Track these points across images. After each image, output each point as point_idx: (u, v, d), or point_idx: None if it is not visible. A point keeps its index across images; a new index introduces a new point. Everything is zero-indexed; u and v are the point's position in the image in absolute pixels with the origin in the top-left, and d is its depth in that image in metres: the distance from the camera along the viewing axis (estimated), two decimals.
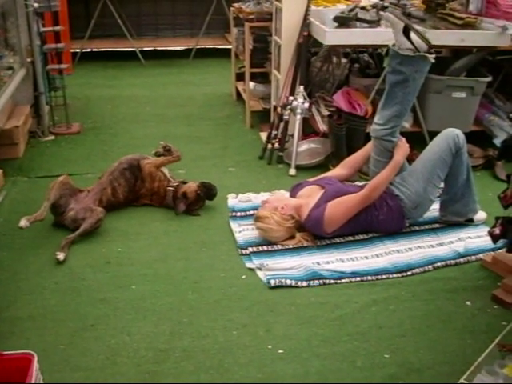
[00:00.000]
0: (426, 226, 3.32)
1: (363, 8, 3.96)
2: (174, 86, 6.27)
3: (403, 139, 3.23)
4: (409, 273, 2.88)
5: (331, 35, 3.82)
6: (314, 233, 3.14)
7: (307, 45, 4.22)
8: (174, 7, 7.92)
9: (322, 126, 4.18)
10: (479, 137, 4.19)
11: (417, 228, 3.30)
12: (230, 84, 5.94)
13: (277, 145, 4.23)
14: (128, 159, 3.56)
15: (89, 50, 7.41)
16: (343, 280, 2.81)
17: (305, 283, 2.77)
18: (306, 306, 2.62)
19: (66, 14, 6.08)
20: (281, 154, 4.21)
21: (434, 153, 3.18)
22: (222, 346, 2.36)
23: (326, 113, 4.22)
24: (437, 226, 3.34)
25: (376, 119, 3.22)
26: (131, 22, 7.59)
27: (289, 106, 4.13)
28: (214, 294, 2.70)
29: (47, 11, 4.61)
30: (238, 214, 3.44)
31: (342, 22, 3.90)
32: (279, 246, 3.10)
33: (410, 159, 3.33)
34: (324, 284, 2.78)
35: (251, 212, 3.39)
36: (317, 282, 2.79)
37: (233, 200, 3.59)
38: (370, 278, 2.84)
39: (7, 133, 4.11)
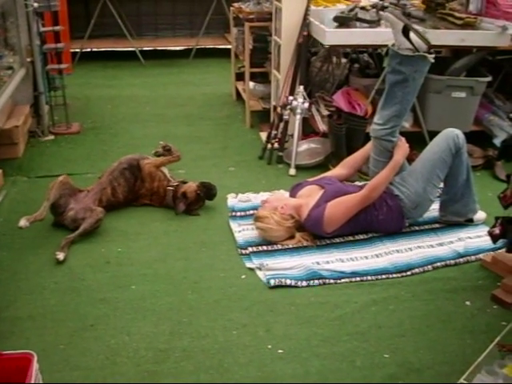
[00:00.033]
0: (426, 226, 3.32)
1: (363, 8, 3.96)
2: (174, 86, 6.27)
3: (403, 139, 3.23)
4: (408, 273, 2.88)
5: (331, 35, 3.82)
6: (313, 232, 3.14)
7: (307, 45, 4.22)
8: (173, 7, 7.92)
9: (322, 126, 4.18)
10: (479, 137, 4.19)
11: (416, 228, 3.30)
12: (229, 84, 5.94)
13: (276, 145, 4.23)
14: (128, 159, 3.56)
15: (88, 49, 7.41)
16: (343, 280, 2.81)
17: (304, 283, 2.77)
18: (305, 305, 2.62)
19: (65, 14, 6.08)
20: (280, 153, 4.21)
21: (434, 153, 3.18)
22: (222, 345, 2.36)
23: (325, 113, 4.23)
24: (436, 225, 3.34)
25: (376, 119, 3.22)
26: (131, 21, 7.59)
27: (289, 106, 4.13)
28: (213, 293, 2.70)
29: (47, 11, 4.61)
30: (238, 213, 3.44)
31: (342, 21, 3.90)
32: (279, 246, 3.10)
33: (410, 159, 3.33)
34: (324, 284, 2.78)
35: (251, 212, 3.39)
36: (316, 281, 2.79)
37: (232, 200, 3.59)
38: (369, 277, 2.84)
39: (7, 132, 4.11)
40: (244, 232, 3.23)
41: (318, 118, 4.26)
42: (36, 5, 4.35)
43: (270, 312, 2.57)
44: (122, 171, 3.48)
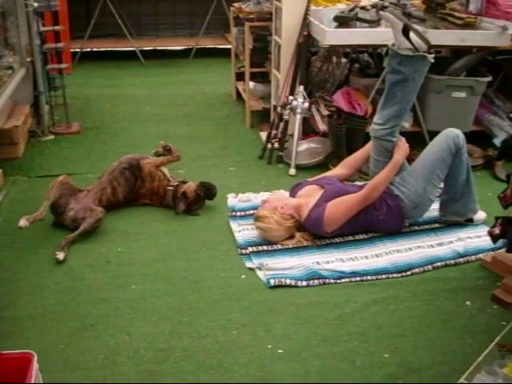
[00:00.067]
0: (426, 226, 3.32)
1: (363, 8, 3.96)
2: (174, 86, 6.27)
3: (403, 139, 3.23)
4: (408, 273, 2.88)
5: (331, 35, 3.82)
6: (313, 232, 3.14)
7: (307, 44, 4.22)
8: (173, 7, 7.92)
9: (322, 126, 4.18)
10: (479, 137, 4.19)
11: (416, 228, 3.30)
12: (229, 84, 5.94)
13: (277, 144, 4.23)
14: (128, 159, 3.56)
15: (89, 49, 7.41)
16: (343, 280, 2.81)
17: (304, 283, 2.77)
18: (305, 305, 2.62)
19: (65, 14, 6.08)
20: (280, 153, 4.21)
21: (434, 153, 3.18)
22: (222, 345, 2.36)
23: (325, 112, 4.23)
24: (436, 225, 3.34)
25: (375, 119, 3.22)
26: (131, 21, 7.59)
27: (289, 106, 4.13)
28: (213, 293, 2.70)
29: (47, 11, 4.61)
30: (238, 213, 3.44)
31: (342, 21, 3.90)
32: (279, 246, 3.10)
33: (410, 159, 3.33)
34: (324, 284, 2.78)
35: (251, 212, 3.39)
36: (316, 281, 2.79)
37: (233, 200, 3.59)
38: (369, 277, 2.84)
39: (7, 132, 4.11)
40: (244, 232, 3.23)
41: (318, 117, 4.26)
42: (36, 4, 4.35)
43: (270, 312, 2.57)
44: (122, 171, 3.48)
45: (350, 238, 3.17)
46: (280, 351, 2.33)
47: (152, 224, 3.35)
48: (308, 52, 4.37)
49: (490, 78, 4.13)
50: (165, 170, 3.62)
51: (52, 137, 4.67)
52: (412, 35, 2.98)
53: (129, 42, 7.25)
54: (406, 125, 4.10)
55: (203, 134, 4.80)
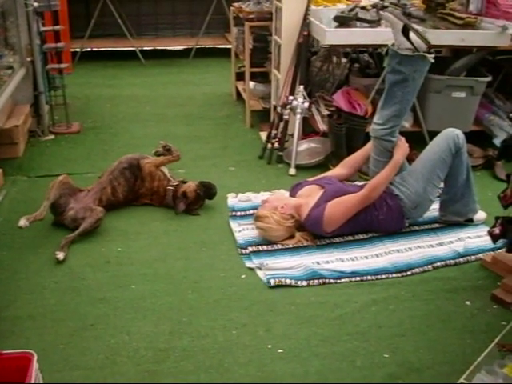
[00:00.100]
0: (426, 226, 3.32)
1: (363, 8, 3.96)
2: (174, 86, 6.27)
3: (403, 139, 3.23)
4: (408, 272, 2.88)
5: (331, 35, 3.82)
6: (313, 232, 3.14)
7: (307, 44, 4.22)
8: (173, 7, 7.92)
9: (322, 126, 4.18)
10: (479, 137, 4.19)
11: (416, 228, 3.30)
12: (229, 83, 5.94)
13: (276, 144, 4.23)
14: (128, 159, 3.56)
15: (89, 49, 7.41)
16: (343, 280, 2.81)
17: (304, 283, 2.77)
18: (305, 305, 2.62)
19: (65, 14, 6.07)
20: (280, 153, 4.21)
21: (434, 153, 3.18)
22: (222, 345, 2.36)
23: (325, 112, 4.23)
24: (436, 225, 3.34)
25: (375, 119, 3.22)
26: (131, 21, 7.59)
27: (289, 106, 4.13)
28: (213, 293, 2.70)
29: (47, 10, 4.61)
30: (238, 213, 3.44)
31: (342, 21, 3.90)
32: (279, 246, 3.10)
33: (410, 159, 3.33)
34: (324, 283, 2.78)
35: (251, 211, 3.39)
36: (316, 281, 2.79)
37: (232, 199, 3.59)
38: (369, 277, 2.84)
39: (7, 132, 4.11)
40: (244, 232, 3.23)
41: (318, 117, 4.26)
42: (36, 4, 4.35)
43: (270, 312, 2.57)
44: (122, 171, 3.48)
45: (350, 237, 3.17)
46: (280, 351, 2.33)
47: (152, 224, 3.35)
48: (308, 52, 4.37)
49: (489, 78, 4.13)
50: (165, 169, 3.62)
51: (52, 136, 4.67)
52: (412, 35, 2.98)
53: (129, 41, 7.25)
54: (406, 125, 4.11)
55: (203, 134, 4.80)
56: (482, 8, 4.22)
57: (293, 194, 3.35)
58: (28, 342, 2.34)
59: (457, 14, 4.01)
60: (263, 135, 4.54)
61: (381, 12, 3.52)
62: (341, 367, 2.25)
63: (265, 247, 3.08)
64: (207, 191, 3.51)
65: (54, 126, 4.79)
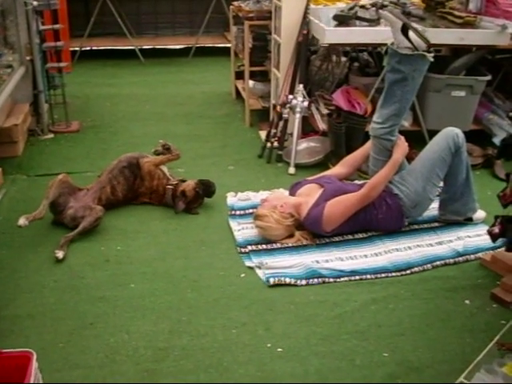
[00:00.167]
0: (426, 225, 3.32)
1: (363, 6, 3.95)
2: (174, 85, 6.27)
3: (402, 138, 3.23)
4: (408, 271, 2.88)
5: (331, 34, 3.81)
6: (313, 231, 3.14)
7: (307, 43, 4.22)
8: (173, 6, 7.91)
9: (322, 125, 4.18)
10: (478, 136, 4.19)
11: (416, 227, 3.30)
12: (229, 82, 5.93)
13: (276, 143, 4.23)
14: (127, 157, 3.56)
15: (88, 48, 7.41)
16: (342, 278, 2.81)
17: (304, 282, 2.77)
18: (305, 304, 2.62)
19: (65, 12, 6.06)
20: (280, 152, 4.21)
21: (434, 152, 3.18)
22: (221, 344, 2.36)
23: (325, 111, 4.23)
24: (436, 224, 3.34)
25: (375, 118, 3.22)
26: (131, 20, 7.59)
27: (288, 105, 4.13)
28: (213, 292, 2.70)
29: (47, 9, 4.61)
30: (238, 212, 3.44)
31: (342, 20, 3.90)
32: (278, 245, 3.10)
33: (410, 158, 3.33)
34: (323, 282, 2.78)
35: (250, 210, 3.39)
36: (316, 280, 2.79)
37: (232, 198, 3.59)
38: (369, 276, 2.84)
39: (6, 131, 4.11)
40: (243, 231, 3.23)
41: (317, 116, 4.26)
42: (35, 3, 4.35)
43: (270, 311, 2.57)
44: (121, 170, 3.48)
45: (350, 236, 3.17)
46: (279, 350, 2.33)
47: (151, 223, 3.35)
48: (307, 51, 4.37)
49: (489, 77, 4.13)
50: (164, 168, 3.62)
51: (51, 135, 4.67)
52: (411, 34, 2.98)
53: (128, 40, 7.25)
54: (406, 124, 4.10)
55: (203, 133, 4.79)
56: (481, 7, 4.22)
57: (292, 193, 3.34)
58: (27, 341, 2.34)
59: (456, 13, 4.01)
60: (263, 134, 4.54)
61: (380, 11, 3.51)
62: (340, 366, 2.25)
63: (264, 246, 3.08)
64: (206, 189, 3.51)
65: (53, 125, 4.78)
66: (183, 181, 3.56)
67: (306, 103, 4.10)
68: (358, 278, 2.83)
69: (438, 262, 2.95)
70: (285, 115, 4.17)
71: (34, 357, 1.90)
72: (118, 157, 3.59)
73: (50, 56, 4.86)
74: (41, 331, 2.42)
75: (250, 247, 3.06)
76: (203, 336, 2.41)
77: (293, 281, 2.77)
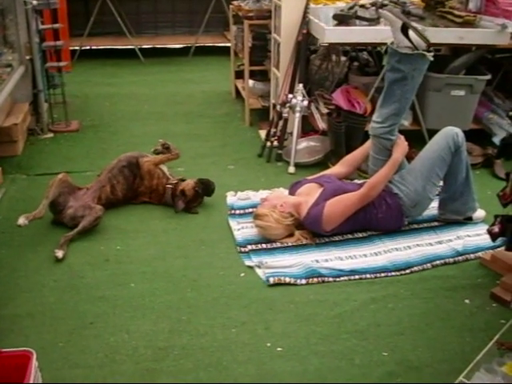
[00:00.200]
0: (425, 224, 3.32)
1: (362, 6, 3.96)
2: (173, 84, 6.27)
3: (402, 137, 3.23)
4: (407, 271, 2.88)
5: (330, 33, 3.81)
6: (312, 231, 3.14)
7: (306, 42, 4.22)
8: (173, 5, 7.92)
9: (321, 124, 4.18)
10: (478, 135, 4.19)
11: (416, 226, 3.30)
12: (229, 82, 5.93)
13: (276, 143, 4.23)
14: (127, 157, 3.56)
15: (88, 47, 7.42)
16: (342, 278, 2.81)
17: (304, 281, 2.77)
18: (304, 303, 2.62)
19: (65, 12, 6.07)
20: (280, 151, 4.21)
21: (433, 151, 3.18)
22: (221, 343, 2.36)
23: (325, 111, 4.23)
24: (436, 224, 3.34)
25: (374, 117, 3.22)
26: (130, 19, 7.59)
27: (288, 104, 4.13)
28: (212, 291, 2.70)
29: (46, 9, 4.61)
30: (237, 211, 3.44)
31: (342, 19, 3.90)
32: (278, 244, 3.10)
33: (409, 157, 3.32)
34: (323, 282, 2.78)
35: (250, 210, 3.39)
36: (315, 279, 2.79)
37: (232, 198, 3.59)
38: (368, 276, 2.84)
39: (6, 130, 4.11)
40: (243, 230, 3.23)
41: (317, 116, 4.25)
42: (35, 2, 4.35)
43: (269, 310, 2.57)
44: (121, 169, 3.48)
45: (349, 236, 3.17)
46: (279, 349, 2.33)
47: (151, 222, 3.35)
48: (307, 50, 4.37)
49: (489, 77, 4.13)
50: (164, 168, 3.61)
51: (51, 135, 4.67)
52: (411, 33, 2.98)
53: (128, 40, 7.25)
54: (406, 123, 4.11)
55: (202, 132, 4.79)
56: (481, 6, 4.22)
57: (292, 193, 3.34)
58: (27, 341, 2.34)
59: (456, 12, 4.00)
60: (262, 133, 4.54)
61: (380, 10, 3.51)
62: (340, 365, 2.25)
63: (264, 245, 3.08)
64: (205, 188, 3.51)
65: (53, 125, 4.78)
66: (183, 180, 3.56)
67: (305, 102, 4.10)
68: (357, 277, 2.83)
69: (437, 262, 2.95)
70: (284, 114, 4.17)
71: (34, 356, 1.90)
72: (117, 156, 3.59)
73: (50, 55, 4.87)
74: (40, 330, 2.42)
75: (249, 246, 3.06)
76: (203, 335, 2.41)
77: (292, 280, 2.77)
